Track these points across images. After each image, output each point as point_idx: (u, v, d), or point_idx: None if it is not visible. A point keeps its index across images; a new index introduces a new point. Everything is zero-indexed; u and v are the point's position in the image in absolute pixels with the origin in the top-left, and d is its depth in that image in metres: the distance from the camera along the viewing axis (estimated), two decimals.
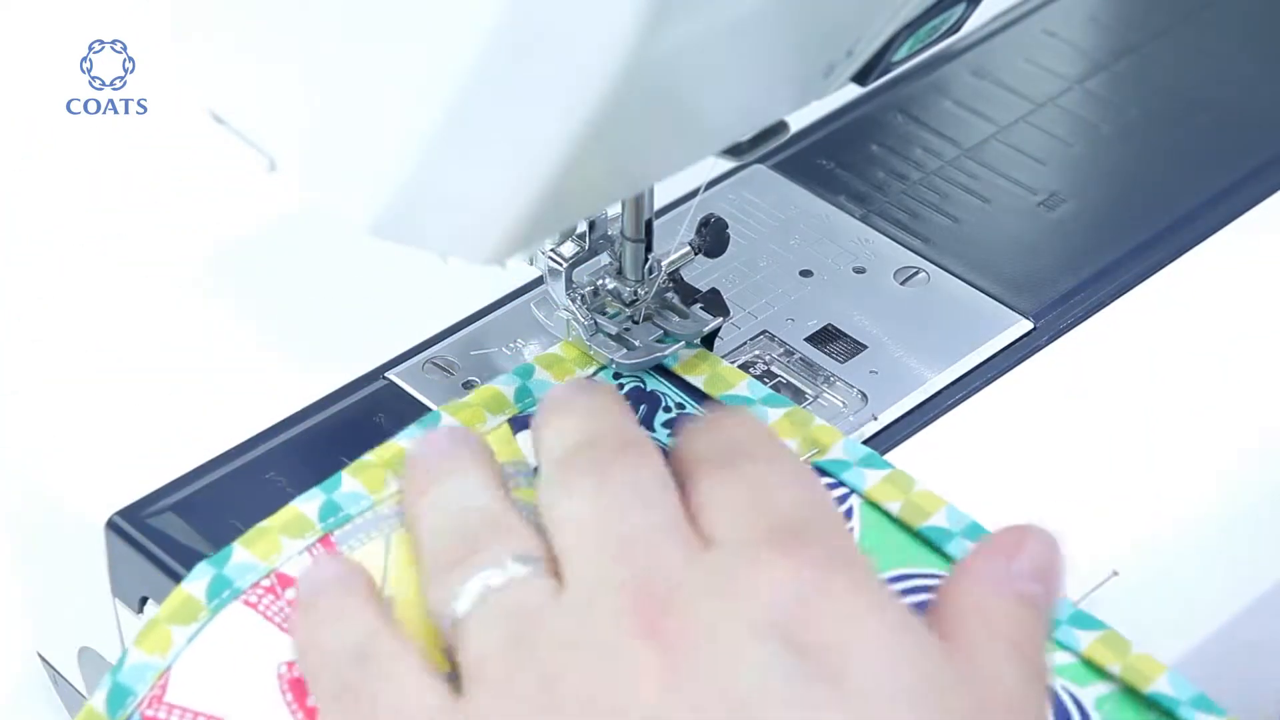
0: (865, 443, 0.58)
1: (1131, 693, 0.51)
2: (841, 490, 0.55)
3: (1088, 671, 0.51)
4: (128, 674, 0.51)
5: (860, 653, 0.45)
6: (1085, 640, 0.51)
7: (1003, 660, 0.48)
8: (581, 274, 0.59)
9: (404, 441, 0.55)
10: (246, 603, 0.52)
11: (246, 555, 0.52)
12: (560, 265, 0.58)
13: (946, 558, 0.53)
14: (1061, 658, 0.51)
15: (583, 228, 0.58)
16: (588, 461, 0.51)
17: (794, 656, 0.45)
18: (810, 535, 0.48)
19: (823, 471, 0.55)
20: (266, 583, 0.52)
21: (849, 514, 0.54)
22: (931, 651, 0.47)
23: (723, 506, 0.50)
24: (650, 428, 0.57)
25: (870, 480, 0.54)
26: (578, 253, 0.58)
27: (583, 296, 0.59)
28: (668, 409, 0.57)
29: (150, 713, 0.50)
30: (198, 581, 0.52)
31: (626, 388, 0.58)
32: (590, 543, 0.49)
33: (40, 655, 0.63)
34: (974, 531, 0.53)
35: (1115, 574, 0.55)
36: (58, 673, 0.62)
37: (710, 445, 0.52)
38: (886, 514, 0.54)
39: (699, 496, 0.50)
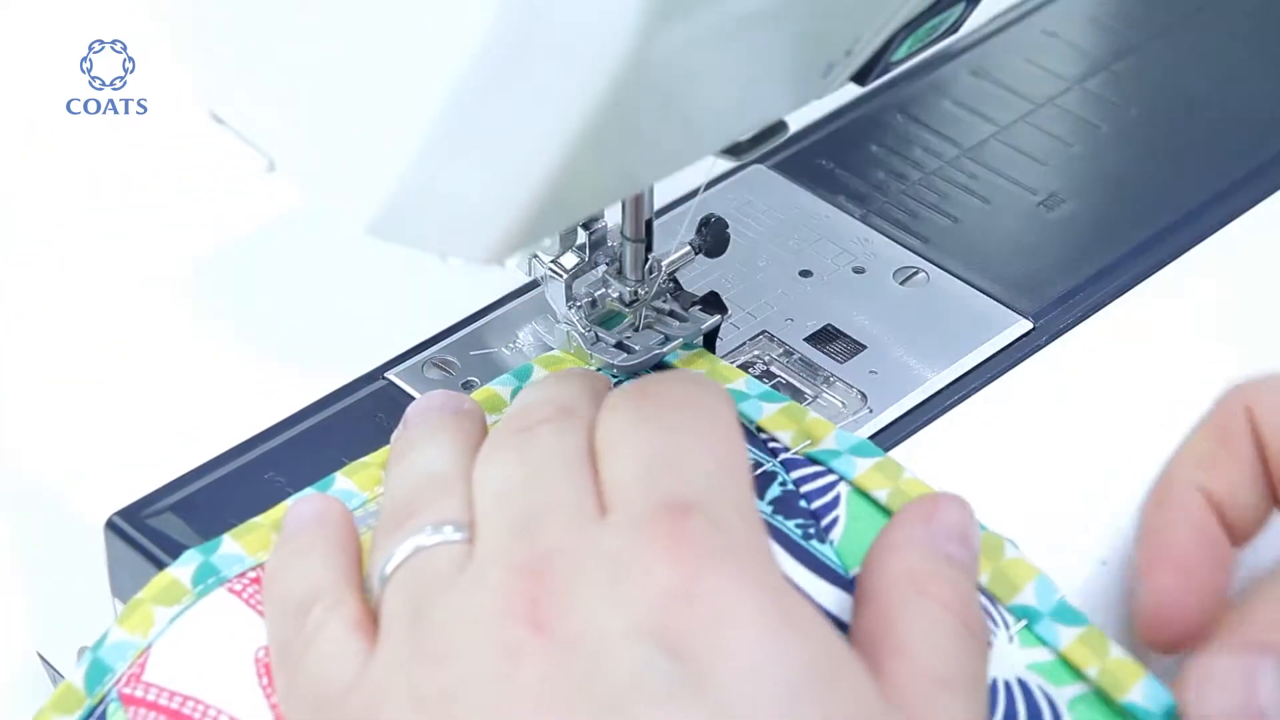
0: None
1: (1106, 696, 0.51)
2: (830, 478, 0.54)
3: (1064, 671, 0.51)
4: (108, 652, 0.51)
5: (729, 659, 0.45)
6: (1066, 637, 0.51)
7: (931, 621, 0.48)
8: (580, 285, 0.59)
9: None
10: (231, 590, 0.52)
11: (235, 547, 0.53)
12: (561, 276, 0.58)
13: None
14: (1040, 654, 0.51)
15: (583, 238, 0.58)
16: (518, 425, 0.51)
17: (665, 659, 0.45)
18: (701, 509, 0.47)
19: (814, 461, 0.55)
20: (253, 574, 0.52)
21: (835, 503, 0.54)
22: (816, 640, 0.46)
23: (624, 469, 0.49)
24: None
25: (860, 468, 0.54)
26: (578, 264, 0.58)
27: (581, 308, 0.58)
28: None
29: (128, 690, 0.51)
30: (184, 567, 0.52)
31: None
32: (500, 514, 0.49)
33: (40, 655, 0.63)
34: None
35: (1104, 563, 0.55)
36: (57, 672, 0.62)
37: (638, 400, 0.51)
38: (874, 502, 0.54)
39: (608, 456, 0.50)
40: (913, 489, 0.54)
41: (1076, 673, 0.51)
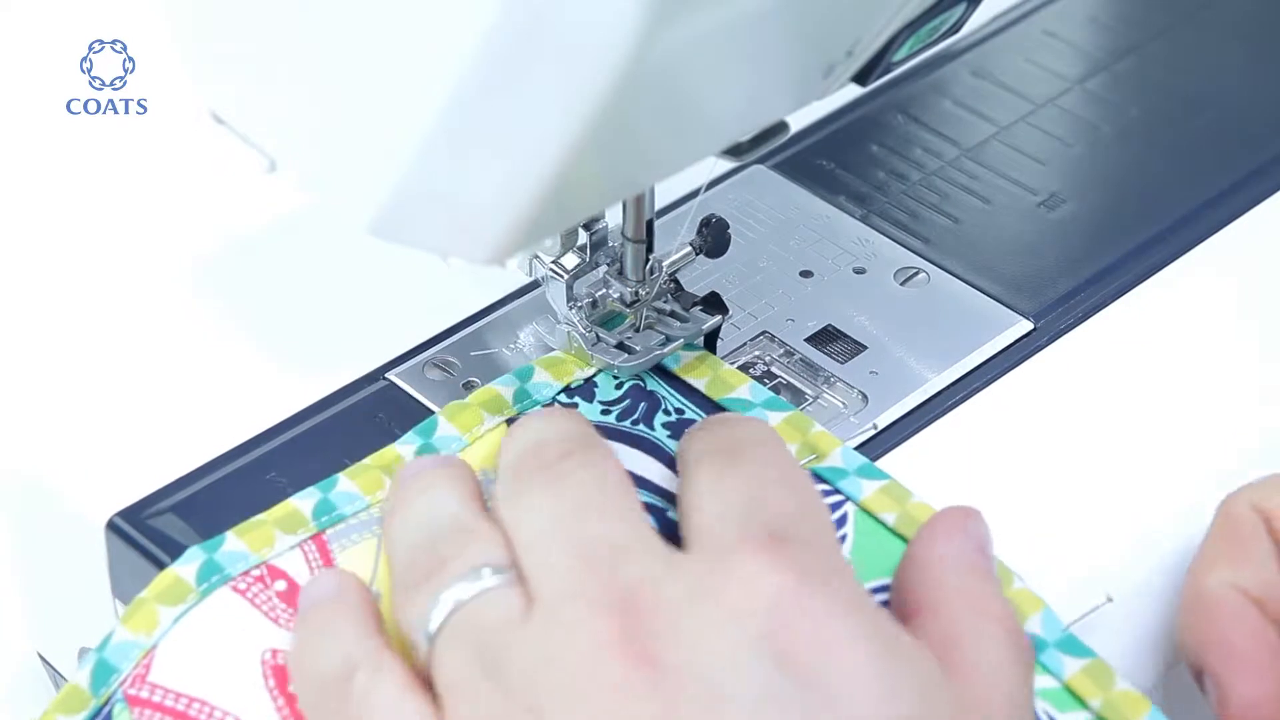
0: (864, 444, 0.58)
1: None
2: (837, 497, 0.54)
3: (1070, 699, 0.51)
4: (113, 652, 0.51)
5: (847, 675, 0.45)
6: (1071, 668, 0.51)
7: (995, 641, 0.49)
8: (580, 286, 0.59)
9: (402, 447, 0.55)
10: (235, 589, 0.52)
11: (239, 544, 0.53)
12: (562, 277, 0.58)
13: None
14: (1045, 681, 0.51)
15: (584, 239, 0.58)
16: (540, 462, 0.50)
17: (787, 678, 0.44)
18: (794, 541, 0.47)
19: (819, 478, 0.55)
20: (256, 572, 0.52)
21: (843, 521, 0.54)
22: (918, 662, 0.46)
23: (711, 505, 0.49)
24: (650, 427, 0.57)
25: (866, 490, 0.54)
26: (579, 264, 0.58)
27: (582, 308, 0.58)
28: (667, 412, 0.57)
29: (133, 691, 0.51)
30: (188, 565, 0.52)
31: (626, 387, 0.58)
32: (555, 552, 0.48)
33: (40, 655, 0.63)
34: None
35: (1109, 599, 0.55)
36: (58, 673, 0.62)
37: (710, 442, 0.51)
38: (881, 523, 0.54)
39: (691, 493, 0.50)
40: (920, 512, 0.54)
41: (1081, 702, 0.51)
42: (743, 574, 0.46)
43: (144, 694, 0.50)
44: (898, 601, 0.51)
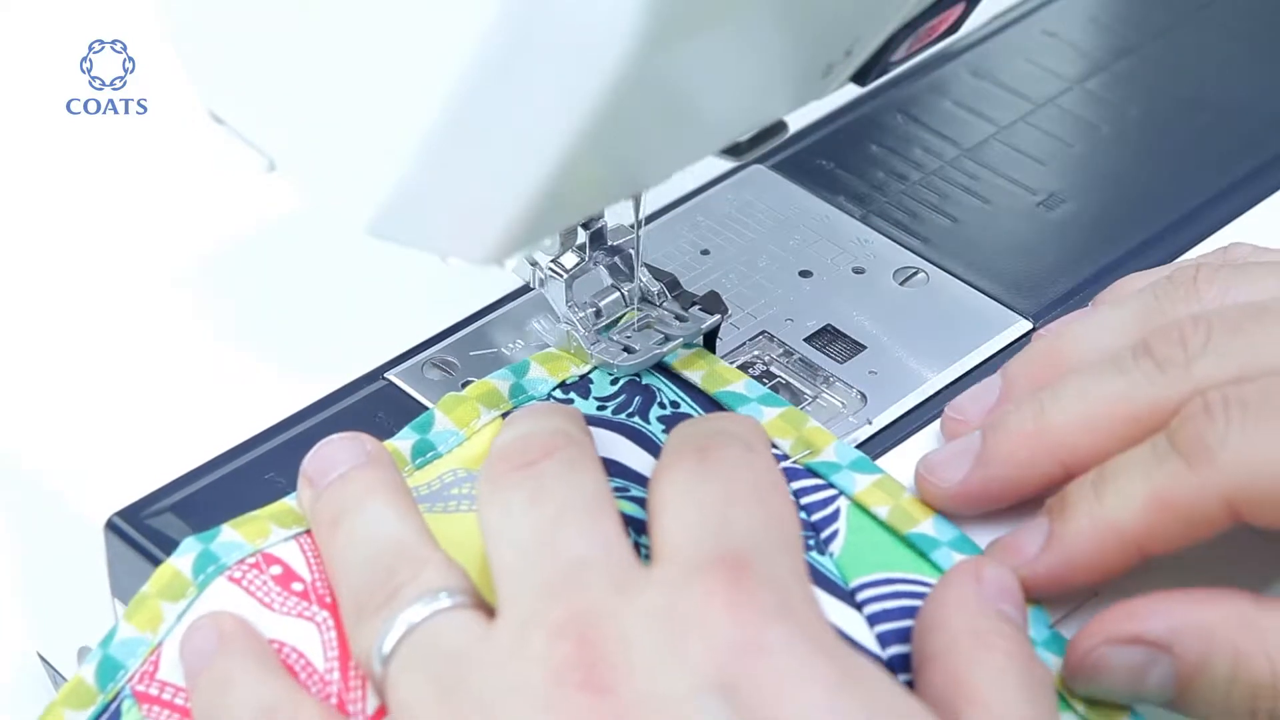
0: (863, 444, 0.58)
1: None
2: (830, 492, 0.54)
3: (1058, 702, 0.51)
4: (118, 648, 0.51)
5: (802, 709, 0.44)
6: (1055, 666, 0.51)
7: (1002, 670, 0.48)
8: (584, 292, 0.59)
9: (399, 443, 0.55)
10: (231, 578, 0.52)
11: (234, 535, 0.53)
12: (561, 276, 0.58)
13: (932, 565, 0.53)
14: None
15: (583, 238, 0.58)
16: (522, 459, 0.50)
17: (740, 716, 0.44)
18: (756, 563, 0.47)
19: (813, 473, 0.55)
20: (252, 560, 0.52)
21: (835, 516, 0.54)
22: (879, 692, 0.46)
23: (677, 525, 0.48)
24: (645, 420, 0.57)
25: (860, 484, 0.54)
26: (578, 264, 0.58)
27: (585, 317, 0.58)
28: (662, 405, 0.57)
29: (142, 689, 0.51)
30: (184, 556, 0.52)
31: (621, 383, 0.58)
32: (524, 569, 0.48)
33: (40, 655, 0.63)
34: (961, 543, 0.53)
35: (1094, 594, 0.55)
36: (57, 672, 0.63)
37: (687, 435, 0.51)
38: (874, 517, 0.54)
39: (659, 492, 0.50)
40: (914, 507, 0.54)
41: (1068, 704, 0.51)
42: (702, 611, 0.46)
43: (153, 691, 0.51)
44: (914, 654, 0.51)
